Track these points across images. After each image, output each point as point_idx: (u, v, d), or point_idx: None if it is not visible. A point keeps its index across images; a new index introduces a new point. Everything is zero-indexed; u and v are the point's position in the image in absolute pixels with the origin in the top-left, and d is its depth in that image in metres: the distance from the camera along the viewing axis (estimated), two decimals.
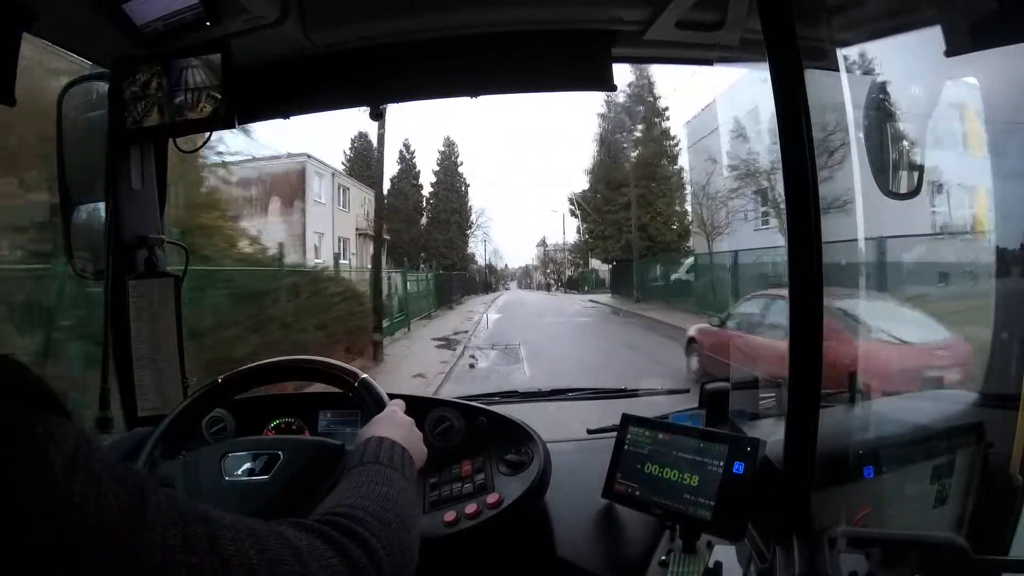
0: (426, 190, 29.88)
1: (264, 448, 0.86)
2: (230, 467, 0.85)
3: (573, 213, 24.41)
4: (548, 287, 35.30)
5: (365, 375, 0.92)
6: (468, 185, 30.41)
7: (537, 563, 1.03)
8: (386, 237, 25.75)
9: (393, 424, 0.75)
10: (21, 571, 0.34)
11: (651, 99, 21.66)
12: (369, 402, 0.88)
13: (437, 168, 29.52)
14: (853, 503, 0.81)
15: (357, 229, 22.67)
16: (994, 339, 1.04)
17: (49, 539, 0.34)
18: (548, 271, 37.37)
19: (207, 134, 1.23)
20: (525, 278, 40.69)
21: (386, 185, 27.97)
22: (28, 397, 0.38)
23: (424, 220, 29.34)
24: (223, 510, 0.78)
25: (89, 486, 0.36)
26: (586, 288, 27.47)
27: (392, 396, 0.92)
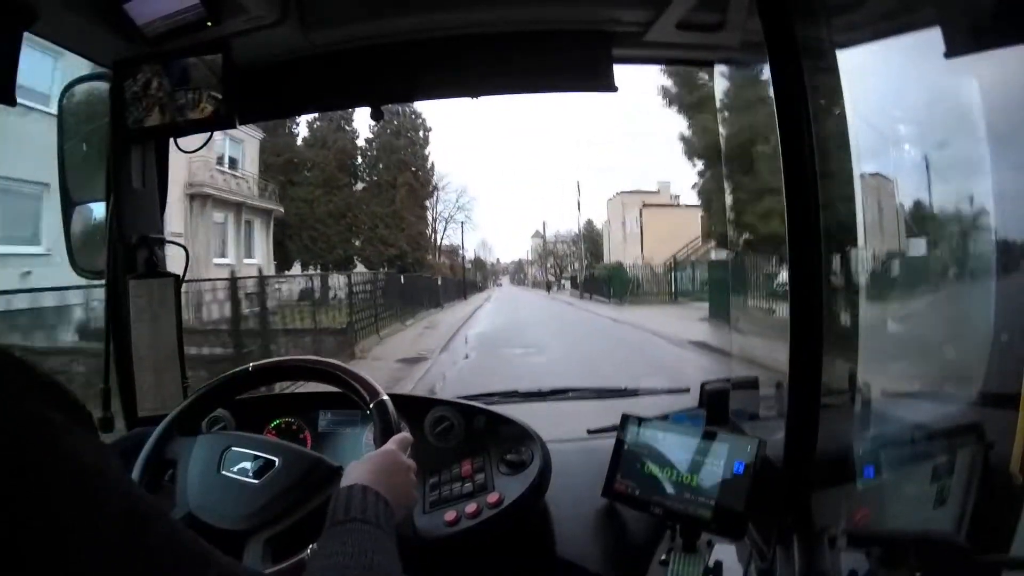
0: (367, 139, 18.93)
1: (265, 451, 0.86)
2: (228, 462, 0.85)
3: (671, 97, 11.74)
4: (548, 286, 28.14)
5: (385, 397, 0.90)
6: (429, 129, 20.14)
7: (537, 563, 1.03)
8: (276, 209, 15.35)
9: (385, 471, 0.72)
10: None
11: None
12: (378, 426, 0.87)
13: None
14: (853, 503, 0.81)
15: (190, 186, 12.29)
16: (994, 339, 1.04)
17: (40, 546, 0.34)
18: (549, 266, 30.62)
19: (207, 134, 1.23)
20: (518, 273, 36.46)
21: (302, 132, 18.45)
22: (51, 404, 0.38)
23: (359, 187, 18.78)
24: (210, 503, 0.80)
25: (95, 519, 0.36)
26: (620, 294, 17.00)
27: (394, 397, 0.92)
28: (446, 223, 23.95)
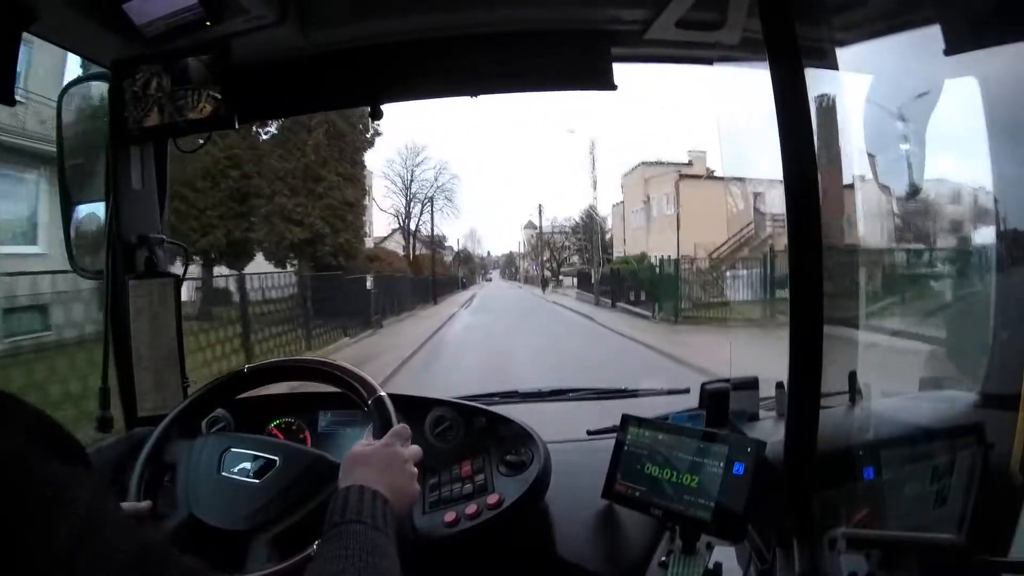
0: None
1: (264, 451, 0.86)
2: (228, 463, 0.85)
3: None
4: (544, 283, 23.87)
5: (383, 393, 0.90)
6: None
7: (537, 564, 1.03)
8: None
9: (383, 467, 0.72)
10: None
11: None
12: (376, 422, 0.87)
13: None
14: (853, 504, 0.81)
15: None
16: (994, 339, 1.04)
17: None
18: (546, 259, 25.93)
19: (207, 134, 1.23)
20: (510, 267, 34.47)
21: None
22: (38, 442, 0.37)
23: (265, 136, 12.04)
24: (211, 504, 0.80)
25: (97, 563, 0.35)
26: (665, 303, 11.30)
27: (393, 397, 0.92)
28: (422, 206, 19.88)
